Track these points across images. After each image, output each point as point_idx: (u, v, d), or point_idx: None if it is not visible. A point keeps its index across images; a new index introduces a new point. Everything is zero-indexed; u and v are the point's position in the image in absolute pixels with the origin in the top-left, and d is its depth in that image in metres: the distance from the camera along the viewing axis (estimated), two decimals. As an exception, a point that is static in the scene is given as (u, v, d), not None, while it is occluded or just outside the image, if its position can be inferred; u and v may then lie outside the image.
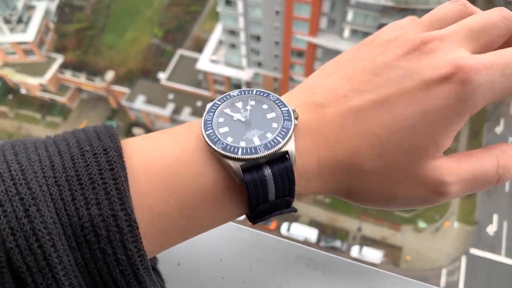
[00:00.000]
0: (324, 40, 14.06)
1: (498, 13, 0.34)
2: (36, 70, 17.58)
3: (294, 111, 0.31)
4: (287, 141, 0.30)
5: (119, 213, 0.25)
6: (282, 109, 0.32)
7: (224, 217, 0.32)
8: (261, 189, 0.30)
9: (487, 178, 0.33)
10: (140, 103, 16.39)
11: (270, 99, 0.33)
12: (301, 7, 13.51)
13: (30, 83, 17.56)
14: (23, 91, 18.41)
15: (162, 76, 17.01)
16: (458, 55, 0.31)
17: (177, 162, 0.29)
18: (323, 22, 14.06)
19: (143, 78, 17.58)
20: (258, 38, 15.29)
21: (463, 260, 12.98)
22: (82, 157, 0.27)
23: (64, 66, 18.07)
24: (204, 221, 0.31)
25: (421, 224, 13.72)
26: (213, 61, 16.39)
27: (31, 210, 0.24)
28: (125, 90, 17.23)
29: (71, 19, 19.68)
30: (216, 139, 0.30)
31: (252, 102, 0.33)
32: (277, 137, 0.30)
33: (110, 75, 17.86)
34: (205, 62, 16.32)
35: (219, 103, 0.33)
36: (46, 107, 18.27)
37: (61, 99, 17.94)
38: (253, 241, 0.45)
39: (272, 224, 13.65)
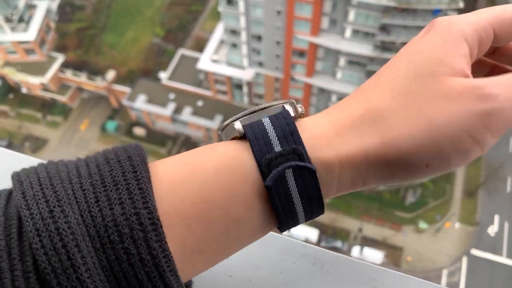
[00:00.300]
0: (326, 40, 14.05)
1: None
2: (37, 69, 17.60)
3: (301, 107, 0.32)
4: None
5: (142, 211, 0.25)
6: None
7: (256, 232, 0.32)
8: (281, 186, 0.30)
9: None
10: (141, 103, 16.40)
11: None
12: (302, 7, 13.51)
13: (31, 82, 17.57)
14: (24, 90, 18.43)
15: (163, 75, 17.01)
16: None
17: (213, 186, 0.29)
18: (325, 22, 14.05)
19: (144, 78, 17.59)
20: (259, 38, 15.29)
21: (464, 261, 12.98)
22: (107, 164, 0.28)
23: (65, 66, 18.09)
24: (240, 245, 0.32)
25: (422, 225, 13.71)
26: (214, 61, 16.39)
27: (55, 211, 0.25)
28: (126, 89, 17.24)
29: (72, 19, 19.70)
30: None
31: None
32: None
33: (111, 74, 17.86)
34: (206, 61, 16.32)
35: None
36: (47, 107, 18.28)
37: (62, 98, 17.95)
38: (259, 240, 0.45)
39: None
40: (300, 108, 0.32)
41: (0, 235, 0.24)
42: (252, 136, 0.30)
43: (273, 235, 0.46)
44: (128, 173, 0.27)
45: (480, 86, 0.29)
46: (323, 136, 0.30)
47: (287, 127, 0.30)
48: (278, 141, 0.29)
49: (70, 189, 0.26)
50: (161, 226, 0.26)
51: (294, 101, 0.33)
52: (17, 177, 0.27)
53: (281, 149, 0.29)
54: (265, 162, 0.29)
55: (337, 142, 0.30)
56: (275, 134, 0.30)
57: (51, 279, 0.23)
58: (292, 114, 0.31)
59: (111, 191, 0.26)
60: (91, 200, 0.26)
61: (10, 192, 0.27)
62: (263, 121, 0.31)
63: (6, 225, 0.25)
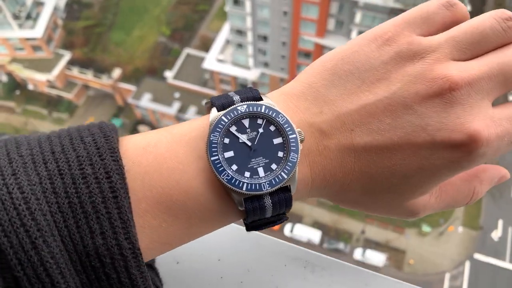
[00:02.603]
0: (332, 42, 14.03)
1: None
2: (43, 66, 17.69)
3: (300, 133, 0.31)
4: (291, 176, 0.30)
5: (123, 242, 0.26)
6: (290, 136, 0.30)
7: (222, 226, 0.33)
8: (259, 213, 0.31)
9: (457, 206, 0.37)
10: (146, 101, 16.44)
11: (279, 121, 0.31)
12: (309, 8, 13.50)
13: (37, 79, 17.67)
14: (30, 87, 18.53)
15: (169, 74, 17.05)
16: (478, 117, 0.30)
17: (177, 189, 0.29)
18: (331, 24, 14.04)
19: (150, 76, 17.64)
20: (265, 38, 15.29)
21: (467, 265, 12.92)
22: (84, 181, 0.27)
23: (71, 63, 18.17)
24: (204, 232, 0.32)
25: (425, 228, 13.66)
26: (220, 61, 16.41)
27: (37, 242, 0.24)
28: (131, 88, 17.29)
29: (79, 16, 19.78)
30: (221, 168, 0.29)
31: (260, 121, 0.32)
32: (282, 173, 0.30)
33: (117, 72, 17.93)
34: (211, 61, 16.34)
35: (226, 120, 0.31)
36: (53, 103, 18.38)
37: (68, 95, 18.04)
38: (251, 242, 0.46)
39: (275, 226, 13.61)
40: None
41: None
42: (216, 100, 0.33)
43: (265, 237, 0.46)
44: (108, 199, 0.26)
45: (418, 215, 0.35)
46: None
47: (250, 93, 0.33)
48: (239, 97, 0.32)
49: (48, 212, 0.25)
50: (141, 254, 0.27)
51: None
52: None
53: (238, 97, 0.32)
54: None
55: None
56: (238, 97, 0.33)
57: None
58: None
59: (91, 219, 0.26)
60: (71, 226, 0.26)
61: None
62: (229, 93, 0.34)
63: None
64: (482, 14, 0.33)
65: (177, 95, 16.59)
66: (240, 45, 15.85)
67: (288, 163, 0.30)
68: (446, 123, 0.30)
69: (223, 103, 0.32)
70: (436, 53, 0.31)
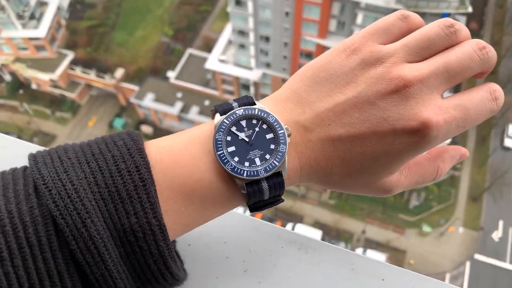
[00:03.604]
0: (333, 42, 14.02)
1: (474, 49, 0.39)
2: (47, 65, 17.73)
3: (287, 129, 0.38)
4: (282, 163, 0.38)
5: (152, 220, 0.33)
6: (279, 132, 0.38)
7: (230, 209, 0.41)
8: (258, 195, 0.38)
9: (425, 182, 0.45)
10: (148, 101, 16.46)
11: (270, 120, 0.39)
12: (311, 9, 13.50)
13: (40, 79, 17.71)
14: (33, 86, 18.57)
15: (171, 74, 17.07)
16: (429, 107, 0.37)
17: (193, 179, 0.36)
18: (333, 24, 14.04)
19: (152, 76, 17.66)
20: (267, 39, 15.30)
21: (467, 265, 12.90)
22: (119, 174, 0.34)
23: (74, 63, 18.20)
24: (215, 215, 0.40)
25: (426, 228, 13.65)
26: (222, 61, 16.42)
27: (87, 222, 0.31)
28: (134, 87, 17.31)
29: (82, 16, 19.81)
30: (225, 160, 0.37)
31: (254, 121, 0.39)
32: (274, 161, 0.38)
33: (119, 72, 17.96)
34: (214, 61, 16.35)
35: (227, 122, 0.38)
36: (56, 103, 18.41)
37: (71, 95, 18.06)
38: (252, 227, 0.52)
39: (277, 224, 13.61)
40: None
41: (41, 231, 0.31)
42: (218, 107, 0.40)
43: (265, 223, 0.53)
44: (139, 187, 0.33)
45: (390, 191, 0.43)
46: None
47: (246, 100, 0.40)
48: (237, 104, 0.40)
49: (93, 199, 0.32)
50: (166, 229, 0.34)
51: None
52: (42, 180, 0.33)
53: (236, 104, 0.40)
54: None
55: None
56: (237, 103, 0.40)
57: (85, 269, 0.32)
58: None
59: (126, 203, 0.33)
60: (111, 210, 0.33)
61: (34, 188, 0.33)
62: (229, 101, 0.41)
63: (45, 225, 0.31)
64: (430, 23, 0.40)
65: (179, 95, 16.61)
66: (242, 46, 15.85)
67: (279, 153, 0.38)
68: (403, 113, 0.37)
69: (224, 109, 0.40)
70: (393, 58, 0.39)
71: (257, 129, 0.39)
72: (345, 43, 0.41)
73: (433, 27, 0.40)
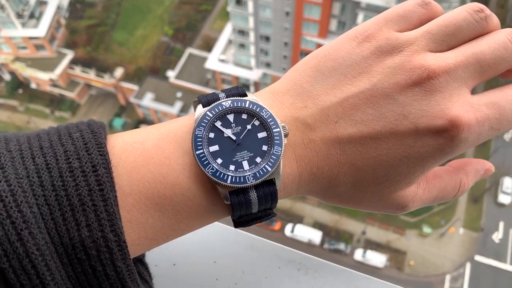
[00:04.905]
0: (334, 42, 14.02)
1: (510, 39, 0.33)
2: (46, 65, 17.72)
3: (284, 128, 0.31)
4: (275, 169, 0.30)
5: (109, 235, 0.26)
6: (274, 130, 0.31)
7: (209, 222, 0.33)
8: (245, 208, 0.31)
9: (446, 199, 0.37)
10: (148, 101, 16.46)
11: (263, 115, 0.32)
12: (311, 8, 13.49)
13: (40, 78, 17.70)
14: (33, 85, 18.57)
15: (171, 74, 17.07)
16: (458, 103, 0.31)
17: (164, 184, 0.29)
18: (333, 24, 14.03)
19: (152, 76, 17.65)
20: (267, 39, 15.29)
21: (468, 266, 12.89)
22: (71, 174, 0.27)
23: (74, 62, 18.20)
24: (191, 228, 0.33)
25: (426, 229, 13.64)
26: (222, 61, 16.41)
27: (23, 234, 0.24)
28: (133, 87, 17.31)
29: (82, 16, 19.81)
30: (206, 162, 0.30)
31: (244, 116, 0.32)
32: (266, 166, 0.30)
33: (119, 72, 17.95)
34: (214, 61, 16.35)
35: (210, 115, 0.32)
36: (56, 102, 18.41)
37: (71, 94, 18.06)
38: (246, 244, 0.47)
39: (277, 225, 13.64)
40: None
41: None
42: (202, 98, 0.33)
43: (260, 239, 0.47)
44: (94, 192, 0.26)
45: (406, 208, 0.35)
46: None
47: (235, 90, 0.33)
48: (224, 94, 0.33)
49: (35, 204, 0.26)
50: (127, 246, 0.27)
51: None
52: None
53: (224, 94, 0.33)
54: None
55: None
56: (224, 94, 0.33)
57: None
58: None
59: (77, 212, 0.26)
60: (58, 218, 0.26)
61: None
62: (215, 91, 0.34)
63: None
64: (456, 8, 0.34)
65: (179, 94, 16.60)
66: (242, 45, 15.85)
67: (272, 156, 0.30)
68: (427, 110, 0.30)
69: (208, 99, 0.33)
70: (413, 46, 0.32)
71: (247, 126, 0.32)
72: (356, 29, 0.35)
73: (461, 12, 0.33)
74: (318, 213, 14.22)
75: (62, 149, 0.28)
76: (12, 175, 0.26)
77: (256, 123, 0.32)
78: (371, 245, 13.67)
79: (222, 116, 0.32)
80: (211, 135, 0.31)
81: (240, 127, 0.32)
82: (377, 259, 13.05)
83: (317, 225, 13.99)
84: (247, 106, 0.32)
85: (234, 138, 0.32)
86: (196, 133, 0.31)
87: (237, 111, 0.32)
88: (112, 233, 0.26)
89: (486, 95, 0.33)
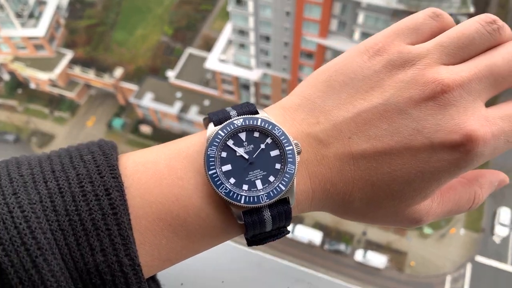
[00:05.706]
0: (334, 42, 14.02)
1: None
2: (45, 65, 17.70)
3: (297, 145, 0.31)
4: (289, 188, 0.30)
5: (124, 259, 0.26)
6: (287, 148, 0.30)
7: (222, 241, 0.33)
8: (259, 227, 0.31)
9: (460, 211, 0.36)
10: (148, 101, 16.44)
11: (275, 133, 0.31)
12: (312, 8, 13.48)
13: (39, 78, 17.68)
14: (32, 85, 18.54)
15: (171, 74, 17.05)
16: (472, 117, 0.30)
17: (177, 205, 0.29)
18: (334, 24, 14.01)
19: (152, 76, 17.64)
20: (267, 39, 15.27)
21: (468, 267, 12.89)
22: (84, 198, 0.27)
23: (73, 62, 18.17)
24: (204, 248, 0.32)
25: (427, 230, 13.64)
26: (222, 61, 16.40)
27: (37, 261, 0.24)
28: (133, 87, 17.29)
29: (82, 15, 19.79)
30: (219, 182, 0.30)
31: (256, 134, 0.32)
32: (280, 185, 0.30)
33: (119, 72, 17.93)
34: (214, 61, 16.33)
35: (222, 134, 0.30)
36: (55, 102, 18.38)
37: (70, 94, 18.04)
38: (254, 263, 0.45)
39: (277, 225, 13.61)
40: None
41: None
42: (213, 115, 0.33)
43: (268, 258, 0.45)
44: (108, 216, 0.27)
45: (421, 222, 0.34)
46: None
47: (247, 108, 0.33)
48: (235, 112, 0.33)
49: (48, 230, 0.26)
50: (141, 270, 0.27)
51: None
52: None
53: (235, 112, 0.33)
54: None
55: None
56: (235, 112, 0.33)
57: None
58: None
59: (92, 237, 0.26)
60: (72, 244, 0.26)
61: None
62: (226, 108, 0.34)
63: None
64: (468, 20, 0.33)
65: (179, 94, 16.59)
66: (242, 45, 15.83)
67: (286, 174, 0.30)
68: (442, 124, 0.30)
69: (220, 118, 0.32)
70: (426, 59, 0.32)
71: (260, 144, 0.32)
72: (366, 43, 0.34)
73: (473, 24, 0.33)
74: (318, 214, 14.20)
75: (74, 173, 0.28)
76: (25, 201, 0.26)
77: (269, 141, 0.31)
78: (371, 246, 13.66)
79: (234, 135, 0.32)
80: (224, 154, 0.31)
81: (252, 146, 0.31)
82: (377, 260, 13.05)
83: (317, 225, 13.99)
84: (259, 124, 0.32)
85: (246, 157, 0.31)
86: (208, 152, 0.30)
87: (249, 129, 0.32)
88: (126, 257, 0.27)
89: (500, 107, 0.32)
